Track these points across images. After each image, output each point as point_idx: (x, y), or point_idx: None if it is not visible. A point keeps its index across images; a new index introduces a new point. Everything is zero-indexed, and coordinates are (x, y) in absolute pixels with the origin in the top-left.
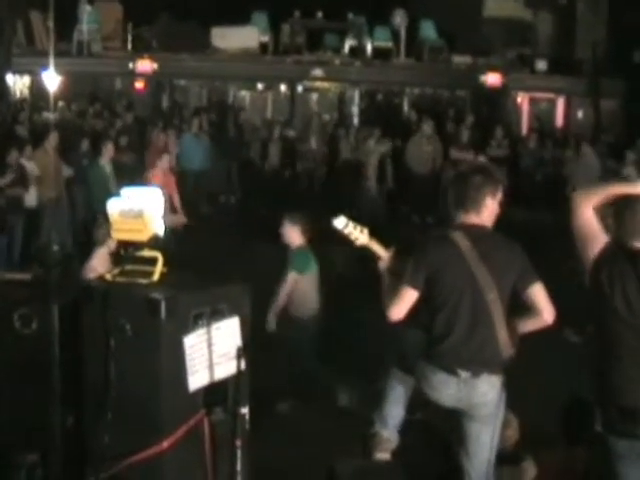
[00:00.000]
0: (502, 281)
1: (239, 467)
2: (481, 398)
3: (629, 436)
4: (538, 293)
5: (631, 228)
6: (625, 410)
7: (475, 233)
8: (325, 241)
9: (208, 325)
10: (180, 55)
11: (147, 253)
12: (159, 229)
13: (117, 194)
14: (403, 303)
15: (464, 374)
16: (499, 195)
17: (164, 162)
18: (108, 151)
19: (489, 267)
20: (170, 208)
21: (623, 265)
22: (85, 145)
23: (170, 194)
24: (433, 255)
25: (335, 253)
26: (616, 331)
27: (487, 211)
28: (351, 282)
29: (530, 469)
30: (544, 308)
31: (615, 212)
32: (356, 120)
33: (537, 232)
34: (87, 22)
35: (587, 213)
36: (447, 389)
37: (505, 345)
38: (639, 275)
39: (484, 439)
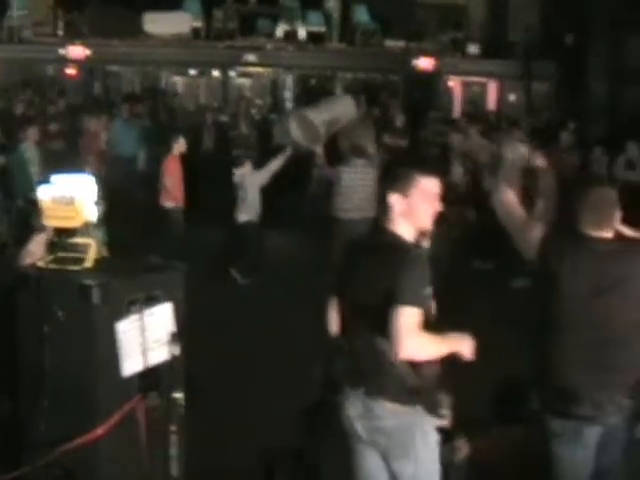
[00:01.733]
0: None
1: (174, 452)
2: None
3: (566, 415)
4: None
5: (582, 215)
6: (563, 390)
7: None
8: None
9: (141, 311)
10: (112, 41)
11: (80, 240)
12: (91, 216)
13: (43, 180)
14: None
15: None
16: None
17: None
18: (31, 136)
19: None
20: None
21: (574, 249)
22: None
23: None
24: None
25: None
26: (560, 311)
27: None
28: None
29: (463, 448)
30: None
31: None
32: (289, 105)
33: None
34: (17, 8)
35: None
36: None
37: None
38: (589, 260)
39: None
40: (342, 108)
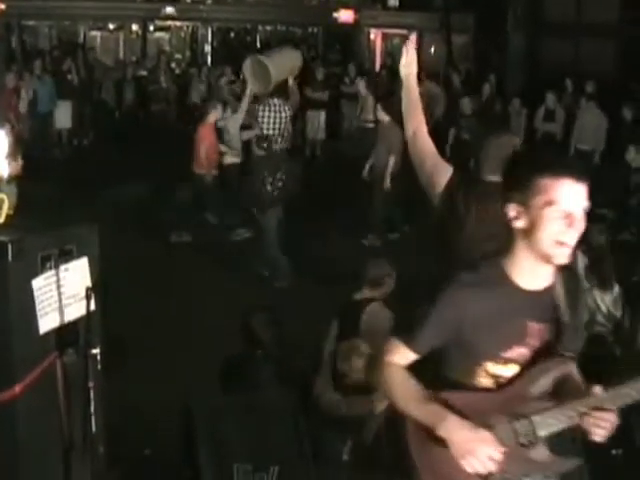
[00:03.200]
0: None
1: (92, 408)
2: None
3: None
4: None
5: (483, 162)
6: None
7: None
8: None
9: (56, 267)
10: None
11: None
12: (2, 171)
13: None
14: None
15: None
16: None
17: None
18: None
19: None
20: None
21: (479, 194)
22: None
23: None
24: None
25: None
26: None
27: None
28: None
29: (385, 398)
30: None
31: (473, 148)
32: (209, 59)
33: None
34: None
35: (415, 135)
36: None
37: None
38: (492, 205)
39: None
40: (291, 60)
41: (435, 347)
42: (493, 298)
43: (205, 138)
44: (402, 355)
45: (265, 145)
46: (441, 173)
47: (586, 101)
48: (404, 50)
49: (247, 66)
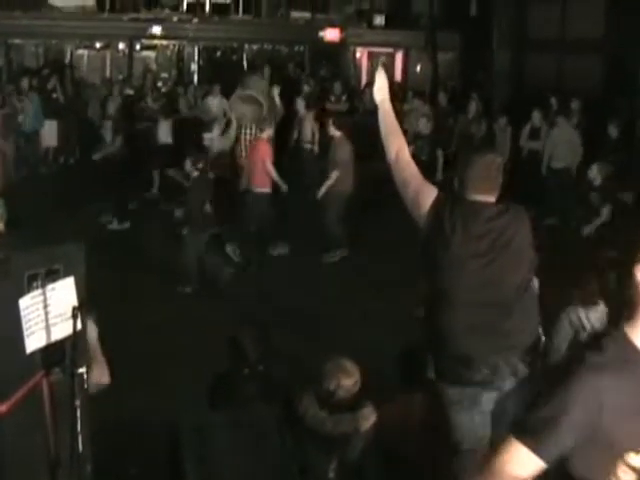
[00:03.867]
0: None
1: (79, 427)
2: None
3: (462, 383)
4: None
5: (468, 182)
6: (457, 357)
7: None
8: None
9: (43, 286)
10: (14, 13)
11: None
12: None
13: None
14: None
15: None
16: None
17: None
18: None
19: None
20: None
21: (464, 214)
22: None
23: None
24: None
25: None
26: (451, 277)
27: None
28: None
29: (370, 415)
30: None
31: (458, 168)
32: (195, 77)
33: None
34: None
35: (398, 157)
36: None
37: None
38: (476, 224)
39: None
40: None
41: (566, 450)
42: (631, 379)
43: (267, 154)
44: (524, 464)
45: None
46: (426, 194)
47: (554, 117)
48: (376, 76)
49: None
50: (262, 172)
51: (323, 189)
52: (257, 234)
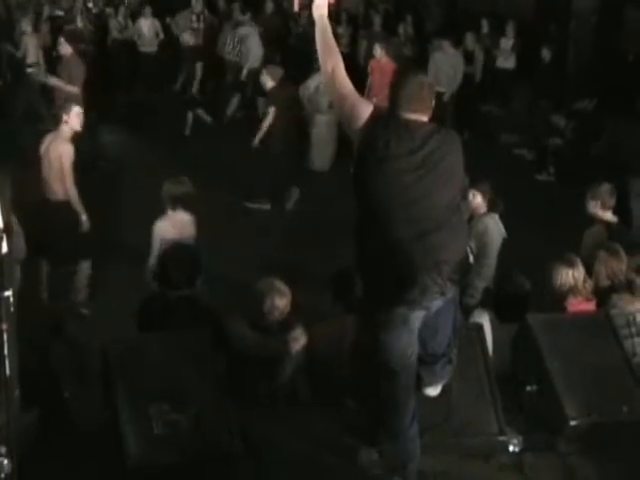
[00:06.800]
0: None
1: (6, 350)
2: None
3: (389, 303)
4: None
5: (402, 100)
6: (385, 276)
7: None
8: None
9: None
10: None
11: None
12: None
13: None
14: None
15: None
16: None
17: None
18: None
19: None
20: None
21: (398, 130)
22: None
23: None
24: None
25: None
26: (384, 192)
27: None
28: None
29: (301, 337)
30: None
31: (390, 85)
32: None
33: None
34: None
35: (334, 73)
36: None
37: None
38: (409, 142)
39: None
40: None
41: None
42: None
43: None
44: None
45: None
46: (362, 108)
47: (487, 40)
48: None
49: None
50: None
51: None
52: None
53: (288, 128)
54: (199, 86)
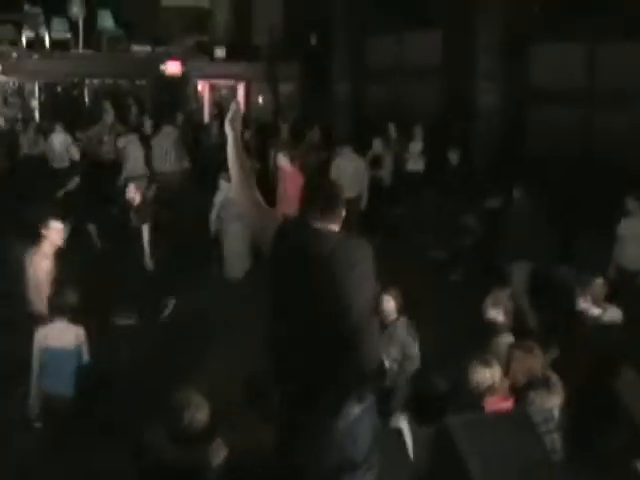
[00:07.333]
0: None
1: None
2: None
3: (308, 412)
4: None
5: (312, 210)
6: (300, 386)
7: None
8: None
9: None
10: None
11: None
12: None
13: None
14: None
15: None
16: None
17: None
18: None
19: None
20: None
21: (308, 239)
22: None
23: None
24: None
25: None
26: (294, 302)
27: None
28: None
29: (220, 449)
30: None
31: (300, 196)
32: (36, 114)
33: None
34: None
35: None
36: None
37: None
38: (320, 251)
39: None
40: None
41: None
42: None
43: None
44: None
45: None
46: (270, 220)
47: (396, 144)
48: (231, 106)
49: None
50: None
51: None
52: None
53: None
54: None
